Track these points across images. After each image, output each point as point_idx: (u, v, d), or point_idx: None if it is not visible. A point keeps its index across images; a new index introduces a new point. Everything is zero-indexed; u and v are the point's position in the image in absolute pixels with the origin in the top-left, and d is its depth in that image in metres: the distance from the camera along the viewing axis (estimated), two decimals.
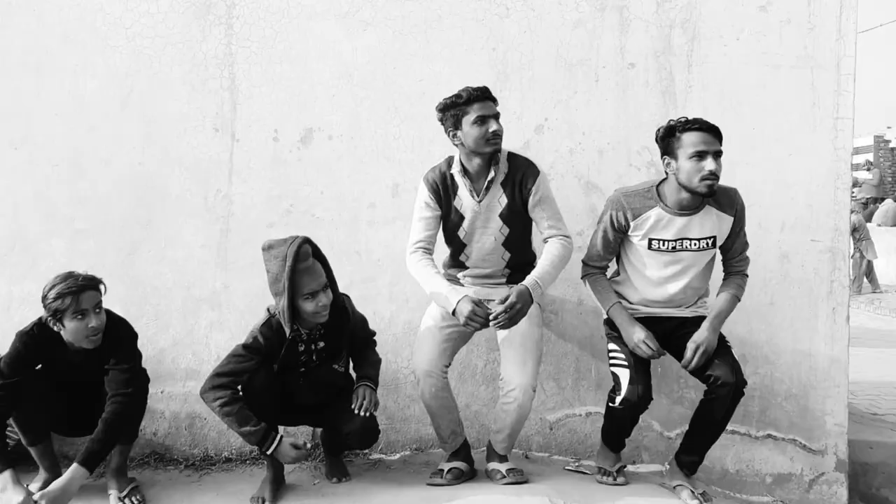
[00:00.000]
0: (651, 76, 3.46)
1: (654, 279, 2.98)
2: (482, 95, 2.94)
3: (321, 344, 2.99)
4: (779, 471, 3.49)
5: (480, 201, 3.05)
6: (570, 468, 3.32)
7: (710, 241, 2.93)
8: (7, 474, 2.70)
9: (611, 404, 3.02)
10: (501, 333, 3.05)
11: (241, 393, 2.88)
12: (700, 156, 2.76)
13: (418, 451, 3.56)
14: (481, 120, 2.92)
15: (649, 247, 2.95)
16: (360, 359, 3.15)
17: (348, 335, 3.05)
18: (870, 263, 11.57)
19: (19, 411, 2.89)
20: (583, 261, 3.14)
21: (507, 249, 3.09)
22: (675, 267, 2.95)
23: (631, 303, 3.05)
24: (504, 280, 3.15)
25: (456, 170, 3.06)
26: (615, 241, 3.03)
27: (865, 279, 11.58)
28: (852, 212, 5.02)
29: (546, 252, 3.02)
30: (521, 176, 3.02)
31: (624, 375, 2.95)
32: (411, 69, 3.53)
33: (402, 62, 3.53)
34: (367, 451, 3.51)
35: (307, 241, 2.81)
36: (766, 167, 3.40)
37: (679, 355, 2.99)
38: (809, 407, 3.47)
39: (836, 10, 3.37)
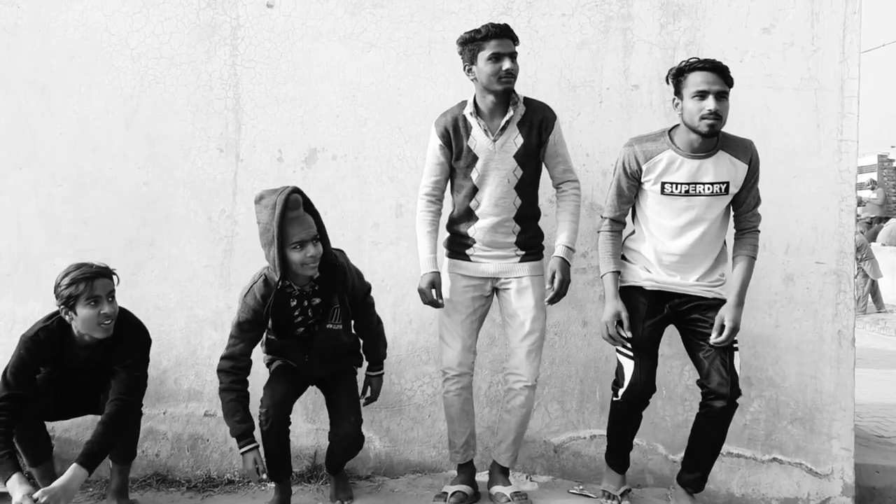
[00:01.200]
0: (655, 98, 3.46)
1: (670, 229, 2.92)
2: (500, 32, 2.93)
3: (316, 301, 2.96)
4: (785, 495, 3.46)
5: (495, 140, 3.03)
6: (574, 491, 3.29)
7: (723, 187, 2.87)
8: (15, 477, 2.71)
9: (614, 399, 3.02)
10: (507, 316, 3.10)
11: (240, 377, 2.91)
12: (701, 95, 2.75)
13: (422, 473, 3.53)
14: (496, 57, 2.92)
15: (662, 191, 2.90)
16: (363, 325, 3.15)
17: (346, 291, 3.02)
18: (874, 283, 11.52)
19: (22, 430, 2.89)
20: (601, 215, 3.14)
21: (518, 195, 3.07)
22: (690, 213, 2.89)
23: (648, 270, 2.97)
24: (513, 241, 3.08)
25: (469, 111, 3.06)
26: (629, 190, 3.00)
27: (870, 299, 11.54)
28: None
29: (563, 211, 3.10)
30: (541, 118, 3.05)
31: (628, 366, 2.95)
32: (415, 90, 3.54)
33: (406, 83, 3.54)
34: (369, 474, 3.49)
35: (297, 190, 2.80)
36: (771, 189, 3.39)
37: (688, 340, 2.99)
38: (816, 430, 3.44)
39: (839, 33, 3.38)
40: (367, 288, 3.16)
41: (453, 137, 3.07)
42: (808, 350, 3.43)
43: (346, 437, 3.01)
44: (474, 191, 3.07)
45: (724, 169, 2.87)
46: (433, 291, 3.07)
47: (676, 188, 2.89)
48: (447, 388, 3.12)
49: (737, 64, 3.41)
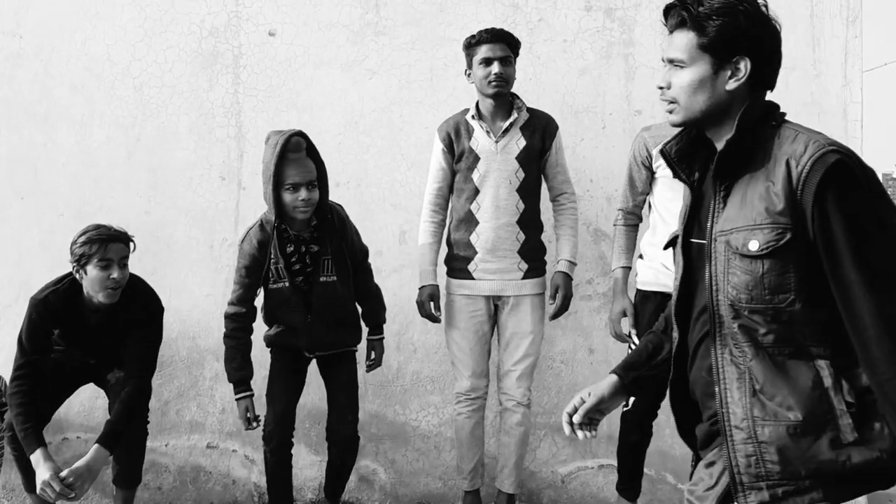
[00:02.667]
0: (658, 123, 3.45)
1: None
2: (491, 37, 2.97)
3: (314, 248, 2.94)
4: None
5: (497, 142, 3.04)
6: None
7: None
8: (39, 452, 2.74)
9: (624, 408, 2.99)
10: (504, 336, 3.09)
11: (242, 325, 2.97)
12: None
13: None
14: (486, 61, 2.98)
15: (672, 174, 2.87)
16: (362, 291, 3.12)
17: (345, 244, 3.00)
18: None
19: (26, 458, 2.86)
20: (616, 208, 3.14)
21: (521, 198, 3.05)
22: None
23: (666, 267, 2.89)
24: (517, 249, 3.05)
25: (471, 115, 3.09)
26: (640, 181, 3.00)
27: None
28: None
29: (563, 225, 3.14)
30: (544, 125, 3.09)
31: None
32: (417, 117, 3.53)
33: (408, 110, 3.54)
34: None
35: (301, 134, 2.83)
36: None
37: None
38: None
39: (840, 58, 3.38)
40: (366, 250, 3.16)
41: (455, 140, 3.10)
42: None
43: (342, 438, 2.99)
44: (475, 193, 3.06)
45: None
46: (431, 304, 3.09)
47: None
48: (459, 410, 3.11)
49: None
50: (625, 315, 2.96)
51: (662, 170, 2.91)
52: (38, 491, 2.68)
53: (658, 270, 2.91)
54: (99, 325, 2.93)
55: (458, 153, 3.10)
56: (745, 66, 1.50)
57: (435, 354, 3.49)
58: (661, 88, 1.63)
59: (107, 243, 2.78)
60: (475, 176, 3.05)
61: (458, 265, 3.12)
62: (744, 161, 1.52)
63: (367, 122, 3.54)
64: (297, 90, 3.55)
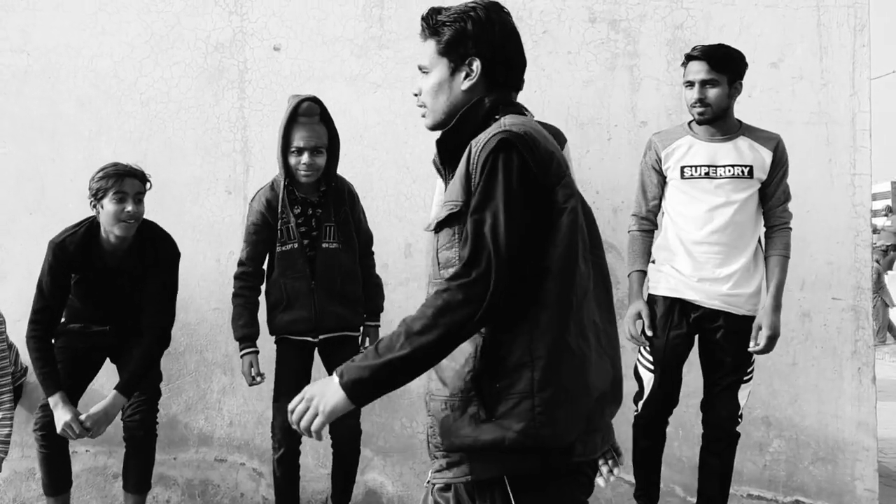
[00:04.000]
0: None
1: (696, 216, 2.85)
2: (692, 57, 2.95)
3: (319, 211, 2.99)
4: None
5: None
6: None
7: (745, 170, 2.83)
8: (58, 395, 2.83)
9: (635, 412, 2.97)
10: None
11: (250, 284, 3.03)
12: (689, 84, 2.85)
13: None
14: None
15: (682, 175, 2.88)
16: (366, 275, 3.13)
17: (352, 216, 3.05)
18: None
19: (48, 457, 2.94)
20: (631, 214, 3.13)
21: None
22: (715, 198, 2.83)
23: (677, 270, 2.88)
24: None
25: None
26: (652, 185, 2.99)
27: (889, 332, 11.35)
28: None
29: None
30: (553, 134, 3.02)
31: (647, 378, 2.92)
32: (422, 129, 3.48)
33: (412, 122, 3.54)
34: None
35: (316, 100, 2.90)
36: None
37: (705, 361, 2.93)
38: (838, 471, 3.35)
39: (848, 67, 3.36)
40: (371, 236, 3.19)
41: None
42: (828, 388, 3.36)
43: (343, 425, 2.97)
44: None
45: (745, 153, 2.85)
46: None
47: (696, 171, 2.87)
48: None
49: (745, 98, 3.38)
50: (639, 317, 2.93)
51: (672, 171, 2.91)
52: (59, 431, 2.79)
53: (668, 275, 2.90)
54: (117, 269, 2.96)
55: None
56: (476, 67, 1.60)
57: None
58: (416, 95, 1.72)
59: (123, 177, 2.86)
60: None
61: None
62: (460, 150, 1.59)
63: (372, 136, 3.54)
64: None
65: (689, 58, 2.86)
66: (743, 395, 2.86)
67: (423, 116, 1.70)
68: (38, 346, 2.89)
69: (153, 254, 2.98)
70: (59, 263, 2.91)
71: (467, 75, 1.61)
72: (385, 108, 3.54)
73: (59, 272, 2.92)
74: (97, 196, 2.86)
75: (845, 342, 3.36)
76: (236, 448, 3.54)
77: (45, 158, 3.58)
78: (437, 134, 1.66)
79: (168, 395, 3.49)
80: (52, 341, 2.95)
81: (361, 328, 3.15)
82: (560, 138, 3.12)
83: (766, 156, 2.85)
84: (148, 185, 2.97)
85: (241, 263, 3.06)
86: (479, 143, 1.50)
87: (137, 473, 3.02)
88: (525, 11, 3.49)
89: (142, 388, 3.00)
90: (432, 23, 1.65)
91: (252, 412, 3.53)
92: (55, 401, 2.82)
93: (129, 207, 2.85)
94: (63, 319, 3.05)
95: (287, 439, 2.96)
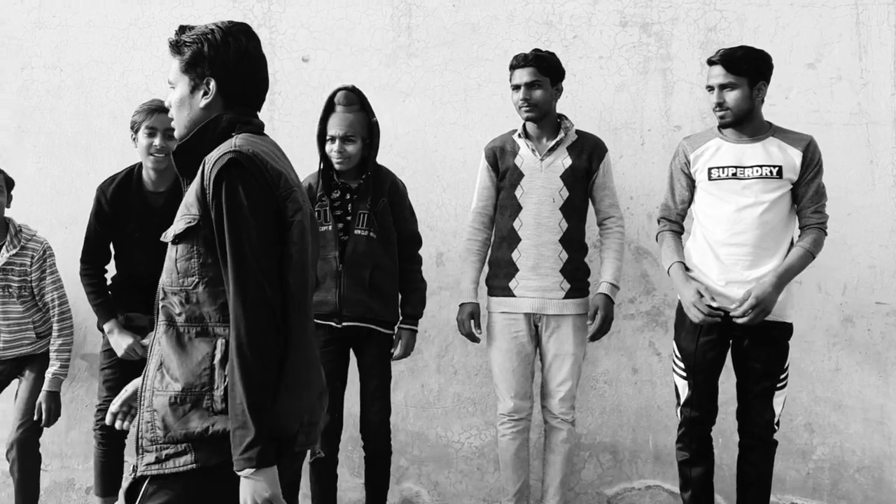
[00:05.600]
0: None
1: (724, 217, 2.80)
2: (517, 63, 3.04)
3: (355, 197, 3.01)
4: None
5: (543, 160, 3.05)
6: None
7: (774, 170, 2.77)
8: (113, 322, 3.02)
9: (679, 419, 2.92)
10: (547, 358, 3.05)
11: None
12: (709, 89, 2.84)
13: None
14: (515, 87, 3.04)
15: (709, 177, 2.85)
16: (404, 277, 3.07)
17: (393, 209, 3.04)
18: None
19: (103, 458, 3.06)
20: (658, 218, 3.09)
21: (564, 217, 3.03)
22: (743, 198, 2.77)
23: (704, 273, 2.83)
24: (559, 268, 3.02)
25: (518, 134, 3.12)
26: (681, 188, 2.96)
27: None
28: None
29: (608, 248, 3.10)
30: (592, 147, 3.09)
31: (682, 386, 2.88)
32: (452, 137, 3.51)
33: (442, 131, 3.52)
34: None
35: (354, 90, 2.96)
36: None
37: (741, 372, 2.86)
38: (885, 479, 3.28)
39: (889, 66, 3.28)
40: (417, 237, 3.14)
41: (499, 158, 3.12)
42: (873, 395, 3.29)
43: (368, 424, 3.00)
44: (518, 210, 3.05)
45: (775, 153, 2.80)
46: (471, 323, 3.09)
47: (723, 172, 2.83)
48: (503, 432, 3.08)
49: (782, 101, 3.33)
50: (700, 295, 2.79)
51: (700, 173, 2.88)
52: (120, 354, 2.96)
53: (696, 280, 2.86)
54: (160, 209, 2.99)
55: (502, 171, 3.11)
56: (212, 86, 1.72)
57: (476, 376, 3.47)
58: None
59: (153, 112, 2.96)
60: (518, 193, 3.05)
61: (498, 283, 3.10)
62: (197, 162, 1.71)
63: (402, 145, 3.53)
64: None
65: (709, 62, 2.85)
66: (778, 402, 2.80)
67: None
68: (89, 280, 3.07)
69: None
70: (99, 204, 3.06)
71: (204, 93, 1.73)
72: (414, 116, 3.52)
73: (100, 212, 3.06)
74: (134, 129, 3.01)
75: (889, 347, 3.28)
76: None
77: (80, 173, 3.61)
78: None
79: None
80: (104, 276, 3.10)
81: (397, 328, 3.12)
82: (601, 148, 3.09)
83: (797, 156, 2.79)
84: None
85: None
86: (212, 160, 1.63)
87: None
88: (555, 17, 3.46)
89: None
90: (176, 42, 1.75)
91: None
92: (110, 327, 2.99)
93: (157, 141, 2.96)
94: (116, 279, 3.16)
95: (323, 444, 2.95)
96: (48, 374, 3.17)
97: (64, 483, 3.57)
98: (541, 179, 3.03)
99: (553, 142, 3.05)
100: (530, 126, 3.08)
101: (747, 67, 2.76)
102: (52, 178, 3.62)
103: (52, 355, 3.19)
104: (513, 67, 3.04)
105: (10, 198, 3.26)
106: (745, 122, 2.81)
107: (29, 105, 3.63)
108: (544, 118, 3.05)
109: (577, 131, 3.11)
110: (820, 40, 3.34)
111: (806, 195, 2.81)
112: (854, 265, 3.30)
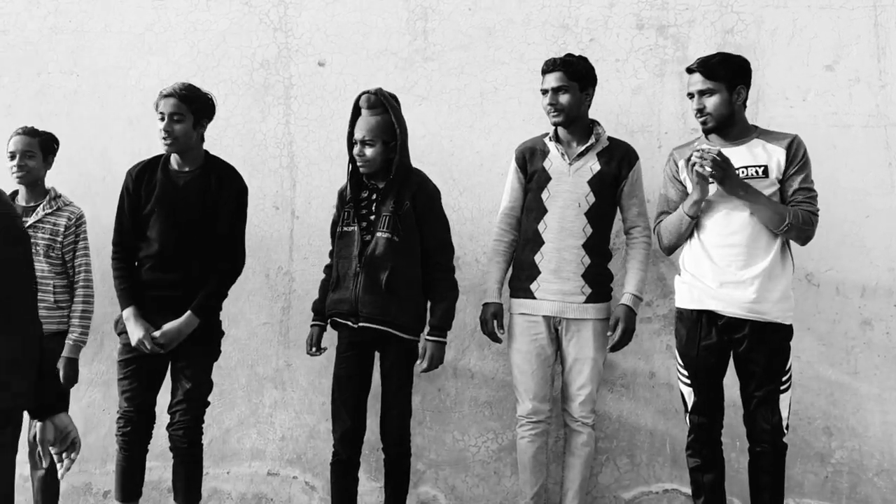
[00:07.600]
0: None
1: (714, 220, 2.81)
2: (546, 68, 3.05)
3: (380, 199, 3.03)
4: None
5: (571, 164, 3.06)
6: None
7: (759, 170, 2.79)
8: (131, 309, 3.00)
9: (688, 438, 2.91)
10: (567, 362, 3.05)
11: (329, 263, 3.13)
12: (690, 96, 2.87)
13: None
14: (543, 92, 3.06)
15: None
16: (432, 286, 3.03)
17: (420, 215, 3.01)
18: None
19: (126, 460, 3.04)
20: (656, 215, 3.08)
21: (589, 222, 3.03)
22: (732, 200, 2.77)
23: (700, 281, 2.82)
24: (581, 272, 3.02)
25: (548, 137, 3.13)
26: (675, 191, 2.97)
27: None
28: None
29: (633, 259, 3.09)
30: (622, 154, 3.09)
31: (687, 392, 2.89)
32: (468, 141, 3.51)
33: (458, 134, 3.52)
34: None
35: (380, 92, 2.97)
36: (842, 230, 3.27)
37: (742, 376, 2.84)
38: None
39: None
40: (449, 245, 3.08)
41: (528, 161, 3.13)
42: (891, 398, 3.28)
43: (387, 428, 3.01)
44: (543, 212, 3.06)
45: (760, 153, 2.82)
46: (494, 323, 3.10)
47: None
48: (521, 434, 3.09)
49: (800, 103, 3.32)
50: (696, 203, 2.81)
51: (689, 179, 2.87)
52: (133, 343, 2.95)
53: (692, 285, 2.86)
54: (186, 189, 3.04)
55: (530, 173, 3.12)
56: None
57: (492, 380, 3.47)
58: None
59: (163, 98, 3.00)
60: (544, 195, 3.06)
61: (520, 285, 3.10)
62: None
63: (418, 148, 3.51)
64: (347, 118, 3.53)
65: (688, 70, 2.88)
66: (784, 404, 2.78)
67: None
68: (118, 265, 3.08)
69: (217, 184, 3.07)
70: (126, 188, 3.10)
71: None
72: (431, 120, 3.52)
73: (127, 196, 3.09)
74: (157, 109, 3.04)
75: None
76: (288, 462, 3.56)
77: (97, 178, 3.63)
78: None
79: (220, 410, 3.52)
80: (132, 262, 3.09)
81: (422, 338, 3.08)
82: (632, 156, 3.09)
83: (780, 154, 2.79)
84: (189, 106, 3.00)
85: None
86: None
87: (186, 484, 3.06)
88: (571, 20, 3.45)
89: (187, 396, 3.00)
90: None
91: (304, 426, 3.55)
92: (128, 314, 2.99)
93: (165, 125, 2.98)
94: (136, 264, 3.13)
95: (343, 450, 2.97)
96: (68, 341, 3.21)
97: (81, 487, 3.58)
98: (567, 184, 3.04)
99: (583, 147, 3.05)
100: (561, 130, 3.09)
101: (724, 73, 2.79)
102: (69, 182, 3.62)
103: (74, 321, 3.23)
104: (543, 72, 3.06)
105: (50, 162, 3.32)
106: (728, 126, 2.83)
107: (45, 110, 3.64)
108: (574, 123, 3.05)
109: (610, 138, 3.12)
110: (838, 42, 3.33)
111: (791, 187, 2.79)
112: (873, 268, 3.29)
